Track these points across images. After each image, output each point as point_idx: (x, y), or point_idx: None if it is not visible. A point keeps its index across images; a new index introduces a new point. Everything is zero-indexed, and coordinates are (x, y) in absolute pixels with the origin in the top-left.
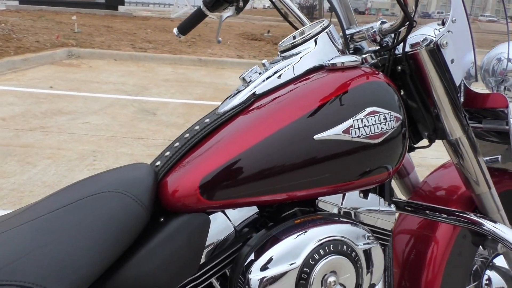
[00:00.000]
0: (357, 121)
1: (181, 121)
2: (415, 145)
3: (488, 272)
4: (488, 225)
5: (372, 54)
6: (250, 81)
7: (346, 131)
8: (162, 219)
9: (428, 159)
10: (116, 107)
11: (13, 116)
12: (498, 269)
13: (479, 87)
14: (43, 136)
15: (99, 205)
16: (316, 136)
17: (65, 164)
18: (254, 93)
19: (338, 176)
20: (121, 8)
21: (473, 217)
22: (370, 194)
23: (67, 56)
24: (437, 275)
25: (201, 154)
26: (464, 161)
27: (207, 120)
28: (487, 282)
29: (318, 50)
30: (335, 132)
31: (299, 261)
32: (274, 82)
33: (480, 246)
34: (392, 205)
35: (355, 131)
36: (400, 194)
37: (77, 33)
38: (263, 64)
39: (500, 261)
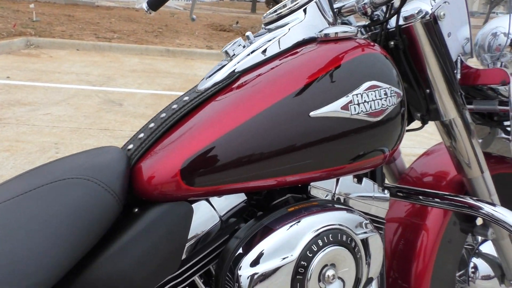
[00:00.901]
0: (357, 96)
1: (150, 111)
2: (407, 128)
3: (474, 259)
4: (486, 208)
5: (362, 29)
6: (234, 55)
7: (345, 107)
8: (136, 210)
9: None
10: (80, 98)
11: None
12: (485, 256)
13: (473, 64)
14: None
15: (62, 194)
16: (313, 113)
17: (24, 157)
18: (238, 68)
19: (333, 158)
20: None
21: (469, 200)
22: (364, 179)
23: (25, 46)
24: (428, 264)
25: (181, 136)
26: (457, 143)
27: (186, 98)
28: (473, 270)
29: (307, 21)
30: (333, 109)
31: (295, 254)
32: (260, 56)
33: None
34: (386, 191)
35: (354, 107)
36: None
37: (36, 22)
38: (247, 37)
39: (486, 248)
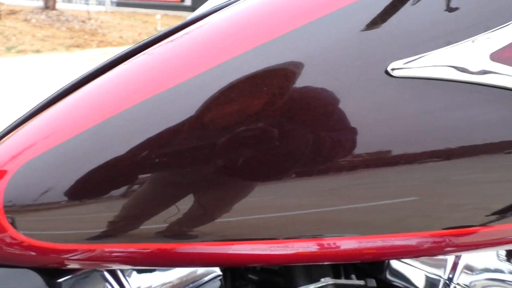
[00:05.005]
0: None
1: None
2: None
3: None
4: None
5: None
6: None
7: (505, 55)
8: None
9: None
10: None
11: None
12: None
13: None
14: None
15: None
16: (396, 66)
17: None
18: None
19: (453, 206)
20: None
21: None
22: None
23: None
24: None
25: (35, 124)
26: None
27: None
28: None
29: None
30: (465, 65)
31: None
32: None
33: None
34: None
35: None
36: None
37: (160, 31)
38: None
39: None
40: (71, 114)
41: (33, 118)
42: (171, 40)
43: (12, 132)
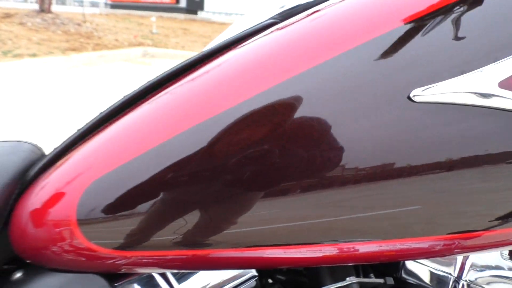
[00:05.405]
0: None
1: None
2: None
3: None
4: None
5: None
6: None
7: (511, 83)
8: (18, 275)
9: None
10: None
11: None
12: None
13: None
14: None
15: None
16: (417, 92)
17: None
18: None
19: (471, 211)
20: (201, 14)
21: None
22: None
23: (142, 55)
24: None
25: (97, 145)
26: None
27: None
28: None
29: None
30: (473, 87)
31: None
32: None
33: None
34: None
35: None
36: None
37: (155, 34)
38: None
39: None
40: (122, 140)
41: (87, 142)
42: (192, 79)
43: (72, 153)
